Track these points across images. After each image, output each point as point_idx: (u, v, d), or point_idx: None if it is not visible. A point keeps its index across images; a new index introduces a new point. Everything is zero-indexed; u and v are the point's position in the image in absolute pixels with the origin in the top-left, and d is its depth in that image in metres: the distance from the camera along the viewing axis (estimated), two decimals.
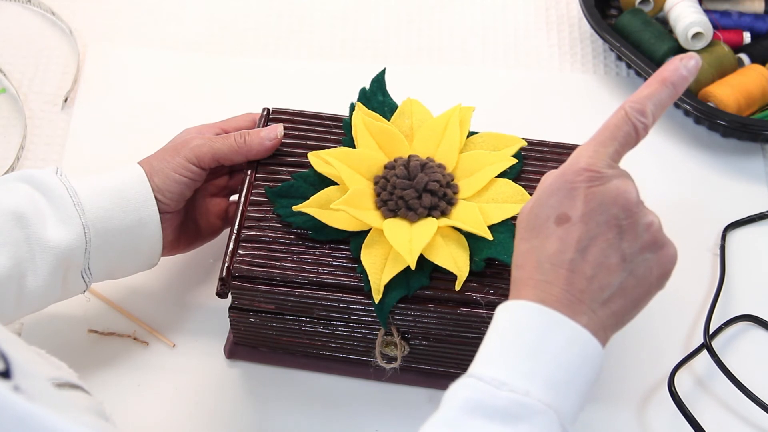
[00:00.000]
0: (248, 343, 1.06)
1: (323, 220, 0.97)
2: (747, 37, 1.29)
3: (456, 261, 0.95)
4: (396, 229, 0.96)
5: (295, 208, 0.98)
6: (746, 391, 1.03)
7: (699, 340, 1.09)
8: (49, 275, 0.96)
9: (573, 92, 1.28)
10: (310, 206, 0.98)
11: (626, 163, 1.19)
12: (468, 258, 0.96)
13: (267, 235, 0.99)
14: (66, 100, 1.26)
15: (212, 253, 1.14)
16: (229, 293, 0.99)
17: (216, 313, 1.09)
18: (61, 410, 0.67)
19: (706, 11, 1.28)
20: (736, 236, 1.17)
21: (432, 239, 0.96)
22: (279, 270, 0.97)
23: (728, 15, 1.30)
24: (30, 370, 0.67)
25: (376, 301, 0.95)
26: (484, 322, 0.96)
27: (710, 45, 1.27)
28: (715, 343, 1.08)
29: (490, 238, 0.96)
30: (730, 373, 1.04)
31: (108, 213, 0.98)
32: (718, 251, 1.16)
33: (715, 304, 1.11)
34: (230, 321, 1.03)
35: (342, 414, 1.04)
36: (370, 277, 0.95)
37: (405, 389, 1.06)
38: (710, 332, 1.08)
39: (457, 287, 0.95)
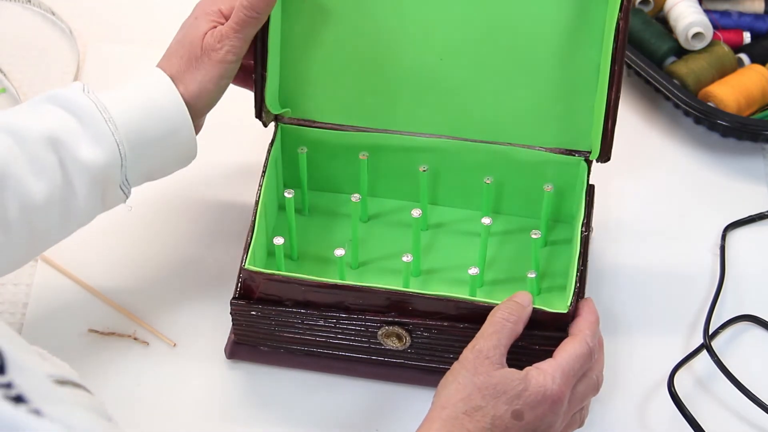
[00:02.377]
0: (249, 340, 1.06)
1: None
2: (747, 37, 1.29)
3: None
4: None
5: None
6: (746, 391, 1.03)
7: (699, 340, 1.09)
8: (88, 195, 0.98)
9: None
10: None
11: (628, 163, 1.19)
12: None
13: None
14: None
15: (212, 254, 1.14)
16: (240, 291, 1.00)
17: (217, 313, 1.09)
18: (59, 405, 0.67)
19: (706, 11, 1.28)
20: (736, 236, 1.17)
21: None
22: None
23: (728, 15, 1.30)
24: (27, 365, 0.68)
25: None
26: None
27: (710, 45, 1.27)
28: (715, 343, 1.08)
29: None
30: (729, 373, 1.04)
31: (140, 125, 0.99)
32: (718, 251, 1.16)
33: (715, 304, 1.11)
34: (232, 315, 1.03)
35: (342, 414, 1.04)
36: None
37: (405, 389, 1.06)
38: (710, 332, 1.08)
39: None
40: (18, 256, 0.99)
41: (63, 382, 0.73)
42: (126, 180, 1.00)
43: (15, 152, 0.95)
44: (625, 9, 0.98)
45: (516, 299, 0.95)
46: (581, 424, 0.98)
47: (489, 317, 0.94)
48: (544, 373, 0.91)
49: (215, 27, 1.02)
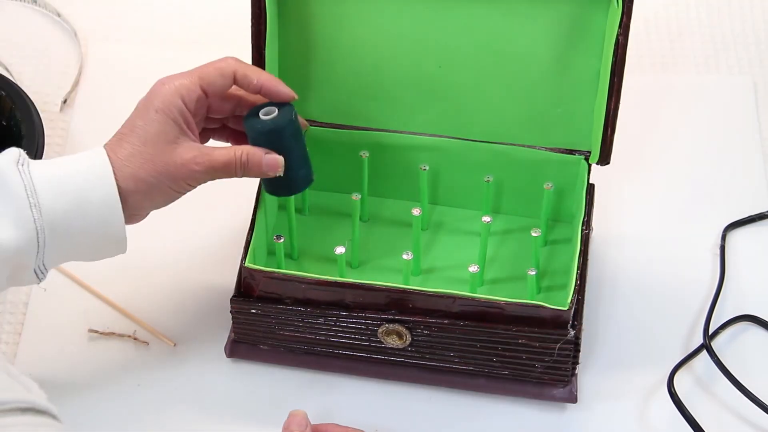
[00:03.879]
0: (249, 339, 1.06)
1: None
2: None
3: None
4: None
5: None
6: (746, 391, 1.03)
7: (699, 340, 1.09)
8: None
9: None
10: None
11: (627, 163, 1.19)
12: None
13: None
14: (65, 101, 1.26)
15: (212, 253, 1.14)
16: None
17: (217, 312, 1.09)
18: None
19: None
20: (736, 236, 1.17)
21: None
22: None
23: None
24: None
25: None
26: None
27: None
28: (715, 344, 1.08)
29: None
30: (729, 373, 1.04)
31: (67, 215, 0.92)
32: (718, 251, 1.15)
33: (715, 304, 1.11)
34: (232, 313, 1.03)
35: (342, 413, 1.04)
36: None
37: (405, 389, 1.06)
38: (710, 332, 1.08)
39: None
40: None
41: (22, 410, 0.72)
42: (43, 264, 0.93)
43: None
44: (625, 25, 0.98)
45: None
46: None
47: None
48: None
49: (182, 141, 0.95)
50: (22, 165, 0.92)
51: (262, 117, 0.98)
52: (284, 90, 0.99)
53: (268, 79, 0.98)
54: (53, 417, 0.73)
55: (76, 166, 0.94)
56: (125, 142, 0.95)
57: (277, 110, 0.98)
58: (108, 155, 0.94)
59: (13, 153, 0.93)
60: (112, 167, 0.93)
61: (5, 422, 0.70)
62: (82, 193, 0.92)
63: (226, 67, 0.98)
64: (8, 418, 0.70)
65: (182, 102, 0.96)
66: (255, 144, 0.98)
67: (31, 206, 0.90)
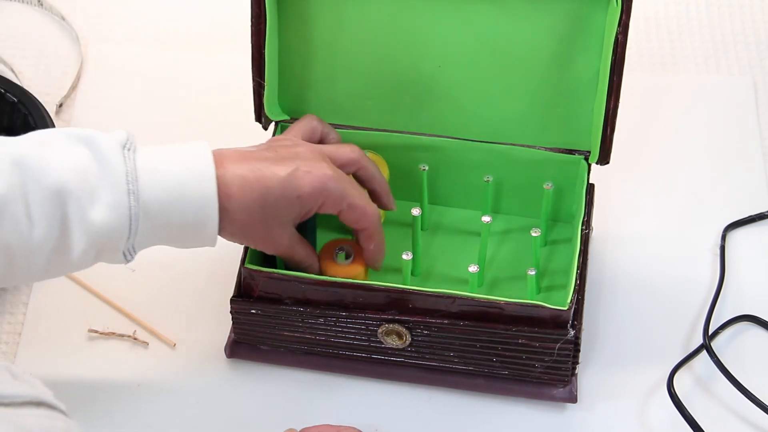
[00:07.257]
0: (249, 339, 1.06)
1: None
2: None
3: None
4: None
5: None
6: (746, 391, 1.03)
7: (698, 340, 1.09)
8: (84, 252, 0.92)
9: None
10: None
11: (627, 163, 1.19)
12: None
13: None
14: (61, 105, 1.26)
15: (212, 253, 1.14)
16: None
17: (217, 312, 1.09)
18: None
19: None
20: (736, 236, 1.17)
21: None
22: None
23: None
24: None
25: None
26: None
27: None
28: (715, 344, 1.08)
29: None
30: (729, 373, 1.04)
31: (163, 207, 0.92)
32: (718, 251, 1.16)
33: (715, 304, 1.10)
34: (231, 314, 1.03)
35: (342, 413, 1.04)
36: None
37: (405, 389, 1.06)
38: (710, 332, 1.08)
39: None
40: None
41: (36, 404, 0.72)
42: (132, 247, 0.94)
43: (16, 194, 0.89)
44: (624, 24, 0.98)
45: None
46: None
47: None
48: None
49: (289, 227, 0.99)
50: (129, 150, 0.92)
51: None
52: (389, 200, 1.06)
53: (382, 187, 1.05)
54: (63, 413, 0.74)
55: (183, 163, 0.94)
56: (245, 159, 0.97)
57: None
58: (217, 166, 0.95)
59: (121, 136, 0.93)
60: (218, 175, 0.94)
61: (22, 413, 0.71)
62: (182, 188, 0.93)
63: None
64: (24, 409, 0.71)
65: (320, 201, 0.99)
66: None
67: (129, 192, 0.91)
